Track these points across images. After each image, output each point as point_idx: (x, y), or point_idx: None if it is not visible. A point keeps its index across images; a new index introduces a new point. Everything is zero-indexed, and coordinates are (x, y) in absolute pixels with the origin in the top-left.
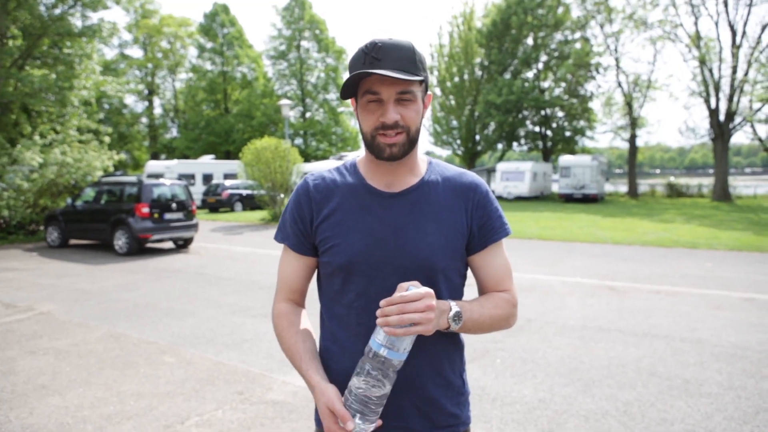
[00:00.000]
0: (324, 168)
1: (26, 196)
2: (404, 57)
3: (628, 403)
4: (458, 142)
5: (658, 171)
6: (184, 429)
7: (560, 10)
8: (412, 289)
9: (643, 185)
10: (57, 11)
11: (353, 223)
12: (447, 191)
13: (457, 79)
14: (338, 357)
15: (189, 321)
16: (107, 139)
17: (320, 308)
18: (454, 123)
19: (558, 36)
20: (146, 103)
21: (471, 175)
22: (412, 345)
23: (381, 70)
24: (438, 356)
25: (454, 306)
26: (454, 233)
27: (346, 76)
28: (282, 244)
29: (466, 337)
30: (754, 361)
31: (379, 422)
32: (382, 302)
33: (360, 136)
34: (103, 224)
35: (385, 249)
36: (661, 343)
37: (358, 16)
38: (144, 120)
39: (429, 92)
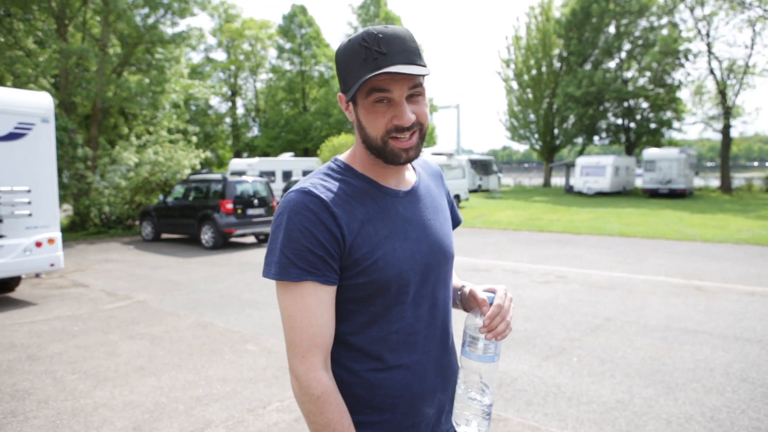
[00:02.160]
0: None
1: (124, 193)
2: (410, 47)
3: (716, 408)
4: (536, 136)
5: (755, 163)
6: (266, 413)
7: None
8: (489, 296)
9: (738, 179)
10: (150, 20)
11: (388, 230)
12: (432, 180)
13: (534, 71)
14: (397, 377)
15: (270, 312)
16: (194, 138)
17: (336, 337)
18: (532, 117)
19: (642, 22)
20: (229, 104)
21: (434, 161)
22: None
23: (394, 65)
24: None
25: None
26: (450, 220)
27: None
28: (297, 284)
29: (542, 336)
30: None
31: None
32: (485, 321)
33: (359, 136)
34: (191, 219)
35: (422, 249)
36: (755, 347)
37: (432, 10)
38: (227, 120)
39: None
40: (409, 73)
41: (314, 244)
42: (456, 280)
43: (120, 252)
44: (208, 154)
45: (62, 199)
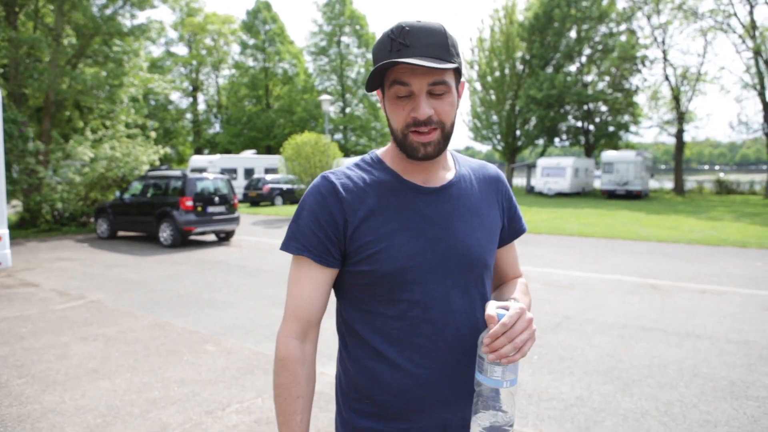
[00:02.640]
0: None
1: (78, 189)
2: (436, 42)
3: (669, 403)
4: (498, 137)
5: (706, 167)
6: (225, 415)
7: (605, 1)
8: (500, 313)
9: (691, 182)
10: (108, 11)
11: (396, 224)
12: (480, 184)
13: (497, 73)
14: (394, 375)
15: (230, 312)
16: (153, 134)
17: (346, 323)
18: (495, 118)
19: (602, 28)
20: (191, 100)
21: (493, 167)
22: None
23: (410, 58)
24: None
25: (515, 302)
26: (495, 227)
27: None
28: (296, 256)
29: None
30: None
31: None
32: (485, 340)
33: (389, 128)
34: (149, 217)
35: (437, 249)
36: (706, 343)
37: (398, 10)
38: (188, 116)
39: (462, 79)
40: (424, 66)
41: (315, 225)
42: (511, 294)
43: (73, 250)
44: (168, 150)
45: (11, 194)
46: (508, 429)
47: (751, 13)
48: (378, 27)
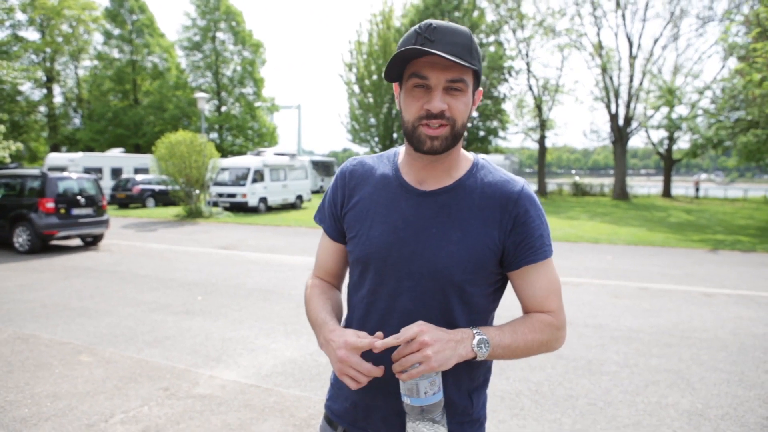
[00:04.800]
0: (241, 163)
1: None
2: (461, 42)
3: (539, 383)
4: (376, 139)
5: (562, 171)
6: (109, 426)
7: (476, 13)
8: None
9: (552, 184)
10: None
11: (377, 217)
12: (484, 199)
13: (375, 77)
14: None
15: (105, 320)
16: (2, 128)
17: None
18: (372, 121)
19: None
20: (44, 91)
21: (518, 186)
22: (435, 384)
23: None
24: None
25: (477, 333)
26: (480, 246)
27: (263, 70)
28: (319, 225)
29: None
30: (646, 342)
31: None
32: (394, 355)
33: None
34: (1, 220)
35: (403, 250)
36: (567, 329)
37: (276, 8)
38: (42, 109)
39: (480, 88)
40: (446, 58)
41: (328, 202)
42: (511, 327)
43: None
44: (20, 146)
45: None
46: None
47: (598, 34)
48: (255, 25)
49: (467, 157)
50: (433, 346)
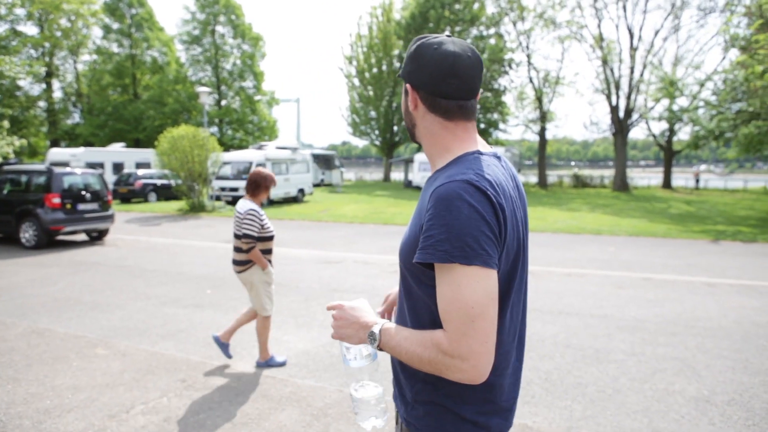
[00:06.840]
0: (243, 157)
1: None
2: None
3: (549, 371)
4: (376, 132)
5: (562, 163)
6: (130, 417)
7: (476, 6)
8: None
9: (552, 176)
10: None
11: None
12: (430, 191)
13: (375, 70)
14: None
15: (117, 314)
16: (6, 123)
17: None
18: (373, 114)
19: (474, 31)
20: (44, 86)
21: (441, 183)
22: (351, 352)
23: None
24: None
25: (377, 325)
26: (413, 237)
27: (263, 64)
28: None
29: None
30: (652, 332)
31: (387, 415)
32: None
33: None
34: (7, 216)
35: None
36: (574, 319)
37: (275, 2)
38: (41, 104)
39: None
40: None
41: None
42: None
43: None
44: (24, 141)
45: None
46: (366, 400)
47: (599, 26)
48: (255, 18)
49: (453, 152)
50: (338, 321)
